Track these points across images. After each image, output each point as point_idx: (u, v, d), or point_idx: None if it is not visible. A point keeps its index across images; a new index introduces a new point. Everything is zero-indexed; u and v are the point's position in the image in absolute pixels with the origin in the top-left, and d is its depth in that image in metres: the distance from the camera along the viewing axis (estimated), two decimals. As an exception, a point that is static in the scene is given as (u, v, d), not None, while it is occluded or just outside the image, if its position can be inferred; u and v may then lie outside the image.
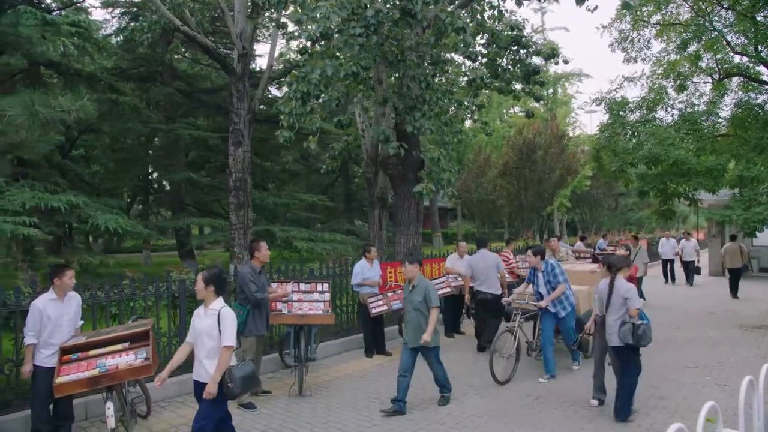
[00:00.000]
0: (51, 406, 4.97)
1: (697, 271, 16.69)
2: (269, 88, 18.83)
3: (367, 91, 10.78)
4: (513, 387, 6.76)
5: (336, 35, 7.72)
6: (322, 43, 8.43)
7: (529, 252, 7.34)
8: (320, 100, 8.07)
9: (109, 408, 4.51)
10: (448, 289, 9.16)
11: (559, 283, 6.97)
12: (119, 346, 4.76)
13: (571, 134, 32.96)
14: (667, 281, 17.23)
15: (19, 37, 8.03)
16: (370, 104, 9.81)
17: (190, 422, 5.69)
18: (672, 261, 17.28)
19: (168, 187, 21.84)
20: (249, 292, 6.09)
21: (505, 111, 36.16)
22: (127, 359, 4.64)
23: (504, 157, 25.29)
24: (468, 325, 9.89)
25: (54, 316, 4.97)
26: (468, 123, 17.57)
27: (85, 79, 12.79)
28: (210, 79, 21.07)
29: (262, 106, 15.97)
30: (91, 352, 4.73)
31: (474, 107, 11.95)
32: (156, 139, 20.11)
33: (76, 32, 10.26)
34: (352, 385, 7.02)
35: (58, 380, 4.47)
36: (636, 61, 14.10)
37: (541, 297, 7.14)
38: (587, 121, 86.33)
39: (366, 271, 8.26)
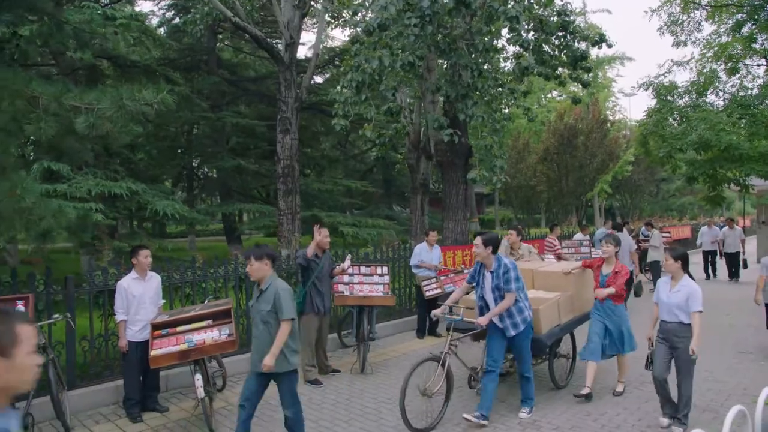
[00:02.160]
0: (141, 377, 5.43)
1: (744, 264, 14.08)
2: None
3: (414, 79, 10.95)
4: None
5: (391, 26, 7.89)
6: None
7: (478, 240, 5.20)
8: (378, 89, 8.26)
9: (198, 379, 4.89)
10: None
11: (509, 291, 5.05)
12: (203, 323, 5.13)
13: (611, 118, 32.40)
14: (708, 277, 14.66)
15: (93, 34, 8.49)
16: (420, 92, 9.96)
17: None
18: (714, 253, 14.71)
19: (213, 174, 22.48)
20: (299, 256, 6.49)
21: (543, 95, 35.71)
22: (212, 335, 5.00)
23: (545, 143, 25.12)
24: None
25: (138, 294, 5.41)
26: (506, 109, 17.47)
27: (141, 70, 13.31)
28: (253, 68, 21.50)
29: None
30: (179, 329, 5.12)
31: (519, 93, 11.99)
32: (196, 127, 20.63)
33: (135, 26, 10.69)
34: (408, 364, 7.28)
35: (153, 353, 4.86)
36: (686, 45, 13.89)
37: (485, 307, 5.30)
38: (626, 105, 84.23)
39: (424, 253, 8.50)
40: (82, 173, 11.22)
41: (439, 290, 8.30)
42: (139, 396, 5.42)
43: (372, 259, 8.56)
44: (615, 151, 25.48)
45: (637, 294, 11.52)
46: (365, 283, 7.02)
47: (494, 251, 5.17)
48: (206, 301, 6.05)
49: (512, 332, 5.15)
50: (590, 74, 11.16)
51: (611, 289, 5.71)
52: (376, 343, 8.13)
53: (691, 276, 5.15)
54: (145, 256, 5.51)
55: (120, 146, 14.79)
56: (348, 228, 14.98)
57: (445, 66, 11.11)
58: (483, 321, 5.10)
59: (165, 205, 11.83)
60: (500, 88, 11.02)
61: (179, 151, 21.04)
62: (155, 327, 5.13)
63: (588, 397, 5.70)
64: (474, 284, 5.41)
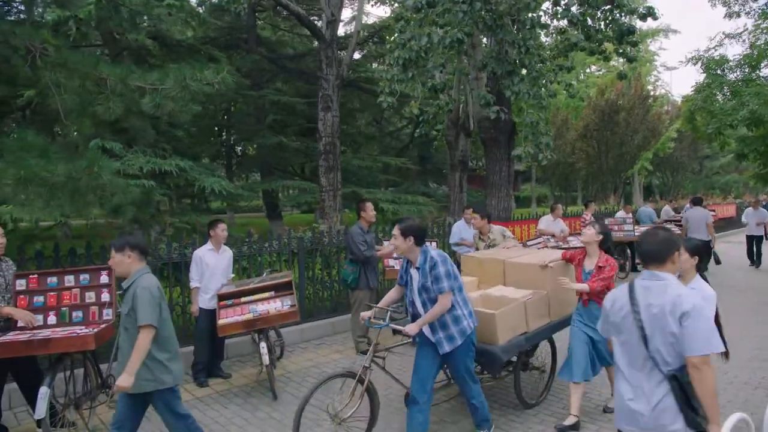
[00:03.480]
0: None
1: None
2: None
3: (457, 56, 10.90)
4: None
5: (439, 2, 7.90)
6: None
7: (395, 230, 4.11)
8: (423, 67, 8.30)
9: (263, 347, 5.16)
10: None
11: (441, 291, 3.96)
12: (266, 295, 5.39)
13: (653, 93, 31.49)
14: (752, 264, 13.24)
15: (147, 16, 8.77)
16: (465, 69, 9.96)
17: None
18: (759, 238, 13.25)
19: (252, 151, 22.89)
20: (358, 251, 6.56)
21: (581, 71, 34.89)
22: (275, 306, 5.26)
23: (584, 119, 24.64)
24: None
25: (211, 264, 5.71)
26: (549, 85, 17.14)
27: (186, 50, 13.58)
28: (291, 45, 21.61)
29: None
30: (242, 299, 5.39)
31: (564, 69, 11.81)
32: (233, 105, 20.91)
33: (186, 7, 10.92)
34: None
35: (221, 322, 5.15)
36: (739, 16, 13.36)
37: (413, 312, 4.22)
38: (668, 79, 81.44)
39: (464, 231, 8.57)
40: (133, 151, 11.62)
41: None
42: (207, 361, 5.74)
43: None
44: (657, 127, 24.85)
45: (718, 261, 11.02)
46: (415, 258, 7.16)
47: (418, 242, 4.05)
48: (264, 274, 6.32)
49: (447, 347, 4.02)
50: (635, 48, 10.88)
51: (584, 286, 4.57)
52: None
53: (704, 277, 4.14)
54: (222, 230, 5.81)
55: (167, 125, 15.26)
56: (387, 204, 15.15)
57: (486, 43, 11.03)
58: (412, 330, 4.01)
59: (212, 182, 12.18)
60: (541, 64, 10.91)
61: (217, 128, 21.49)
62: (220, 297, 5.41)
63: (575, 428, 4.53)
64: (405, 286, 4.25)
